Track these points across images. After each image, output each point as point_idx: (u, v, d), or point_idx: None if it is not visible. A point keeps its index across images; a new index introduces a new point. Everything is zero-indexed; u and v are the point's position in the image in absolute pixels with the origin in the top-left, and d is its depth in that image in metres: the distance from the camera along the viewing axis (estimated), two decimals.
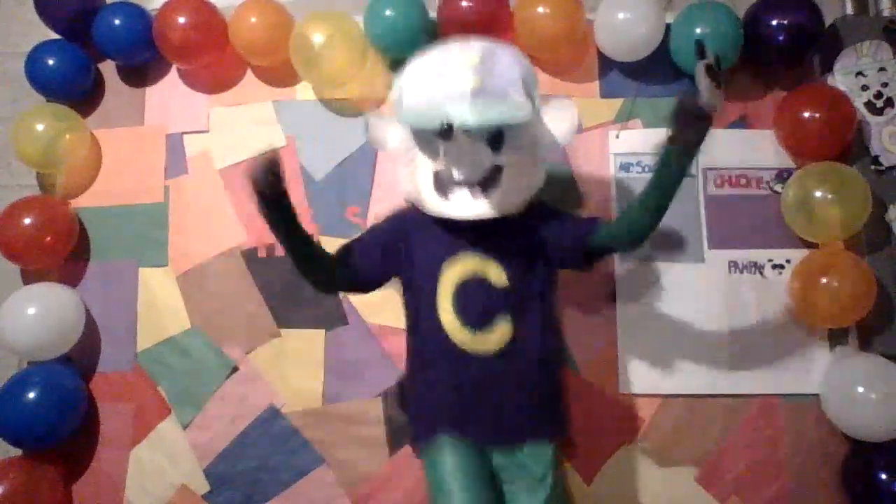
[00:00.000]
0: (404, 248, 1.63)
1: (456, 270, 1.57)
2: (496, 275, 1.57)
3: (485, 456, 1.53)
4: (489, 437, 1.54)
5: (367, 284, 1.67)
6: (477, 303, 1.55)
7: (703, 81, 1.44)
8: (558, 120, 1.63)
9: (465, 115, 1.42)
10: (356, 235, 1.69)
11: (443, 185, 1.55)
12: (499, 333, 1.54)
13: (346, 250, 1.61)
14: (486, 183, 1.53)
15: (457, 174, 1.53)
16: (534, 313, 1.59)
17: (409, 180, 1.62)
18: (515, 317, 1.55)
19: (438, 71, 1.50)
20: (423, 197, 1.59)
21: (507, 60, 1.53)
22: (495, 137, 1.52)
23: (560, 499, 1.58)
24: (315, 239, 1.61)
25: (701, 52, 1.47)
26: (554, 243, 1.62)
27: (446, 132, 1.46)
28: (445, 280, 1.56)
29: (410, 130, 1.58)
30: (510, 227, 1.59)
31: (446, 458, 1.48)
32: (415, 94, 1.54)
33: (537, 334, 1.59)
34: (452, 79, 1.46)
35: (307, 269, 1.57)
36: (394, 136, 1.65)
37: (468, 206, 1.53)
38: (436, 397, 1.57)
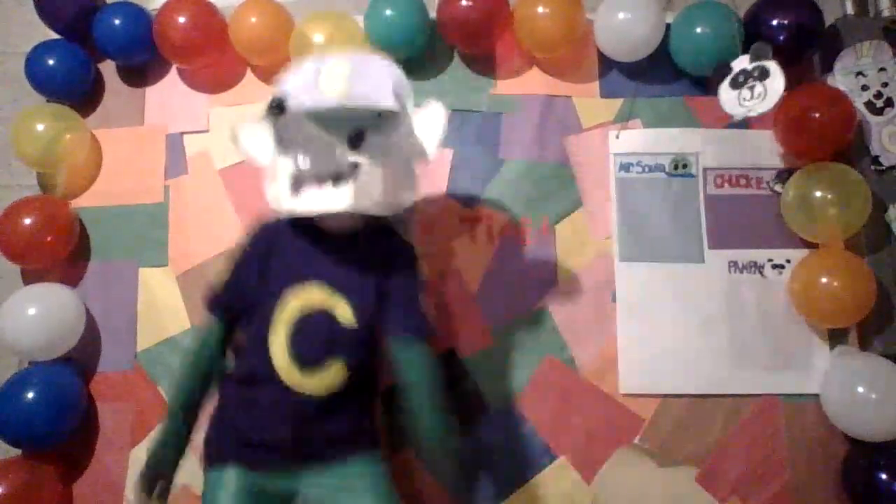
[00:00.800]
0: (262, 267, 1.57)
1: (300, 300, 1.51)
2: (343, 312, 1.52)
3: (269, 492, 1.50)
4: (295, 464, 1.51)
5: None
6: (315, 340, 1.49)
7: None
8: (428, 127, 1.55)
9: (325, 97, 1.39)
10: (219, 278, 1.64)
11: (297, 182, 1.48)
12: (331, 376, 1.49)
13: (223, 314, 1.60)
14: (340, 178, 1.45)
15: (307, 165, 1.47)
16: (371, 357, 1.57)
17: (269, 183, 1.56)
18: (352, 360, 1.51)
19: (311, 82, 1.45)
20: (280, 201, 1.52)
21: (379, 68, 1.50)
22: (356, 135, 1.47)
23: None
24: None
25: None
26: (388, 295, 1.56)
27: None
28: (287, 309, 1.51)
29: (273, 135, 1.53)
30: (368, 260, 1.55)
31: (226, 492, 1.49)
32: (289, 93, 1.48)
33: (370, 377, 1.60)
34: (323, 87, 1.42)
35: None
36: (265, 146, 1.57)
37: (318, 198, 1.46)
38: (245, 423, 1.51)
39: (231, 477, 1.50)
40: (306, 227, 1.57)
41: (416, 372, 1.53)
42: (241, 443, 1.51)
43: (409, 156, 1.57)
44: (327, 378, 1.49)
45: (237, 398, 1.55)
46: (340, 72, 1.43)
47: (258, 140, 1.57)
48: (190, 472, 1.96)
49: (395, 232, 1.68)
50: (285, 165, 1.51)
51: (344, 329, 1.51)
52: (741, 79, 1.83)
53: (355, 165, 1.46)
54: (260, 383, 1.51)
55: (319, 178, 1.46)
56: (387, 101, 1.44)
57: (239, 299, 1.59)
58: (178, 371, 1.59)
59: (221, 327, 1.60)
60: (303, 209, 1.48)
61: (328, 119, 1.44)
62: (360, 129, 1.47)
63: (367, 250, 1.58)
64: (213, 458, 1.55)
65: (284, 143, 1.52)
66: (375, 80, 1.46)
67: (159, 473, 1.53)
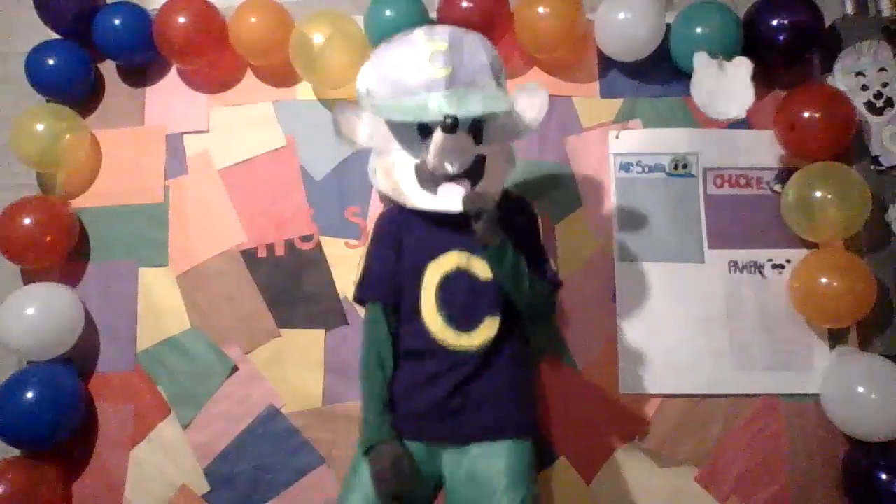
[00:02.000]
0: (397, 253, 1.61)
1: (440, 267, 1.56)
2: (481, 268, 1.55)
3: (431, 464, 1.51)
4: (461, 434, 1.51)
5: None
6: (462, 299, 1.54)
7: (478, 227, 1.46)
8: (528, 106, 1.63)
9: (445, 105, 1.42)
10: (359, 271, 1.67)
11: (427, 178, 1.53)
12: (485, 330, 1.53)
13: (381, 297, 1.60)
14: (472, 174, 1.52)
15: (446, 167, 1.50)
16: (511, 312, 1.58)
17: (386, 176, 1.60)
18: (501, 311, 1.54)
19: (407, 60, 1.48)
20: (405, 193, 1.57)
21: (474, 46, 1.52)
22: (476, 127, 1.52)
23: (537, 499, 1.52)
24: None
25: (476, 215, 1.45)
26: (520, 243, 1.59)
27: (451, 126, 1.40)
28: (429, 279, 1.55)
29: (388, 123, 1.56)
30: None
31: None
32: (386, 86, 1.52)
33: (519, 327, 1.60)
34: (424, 67, 1.46)
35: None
36: (364, 131, 1.62)
37: (456, 198, 1.49)
38: (414, 394, 1.53)
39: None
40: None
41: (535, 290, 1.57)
42: (415, 417, 1.52)
43: (511, 134, 1.63)
44: (482, 333, 1.52)
45: (407, 375, 1.56)
46: (440, 55, 1.46)
47: (358, 124, 1.62)
48: (190, 472, 1.97)
49: (508, 191, 1.70)
50: (404, 156, 1.55)
51: (485, 283, 1.55)
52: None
53: (482, 159, 1.53)
54: (424, 354, 1.53)
55: (455, 177, 1.51)
56: (503, 102, 1.50)
57: (383, 283, 1.61)
58: (366, 378, 1.56)
59: (381, 311, 1.60)
60: (443, 208, 1.52)
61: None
62: (478, 121, 1.52)
63: None
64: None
65: (401, 132, 1.54)
66: (475, 62, 1.50)
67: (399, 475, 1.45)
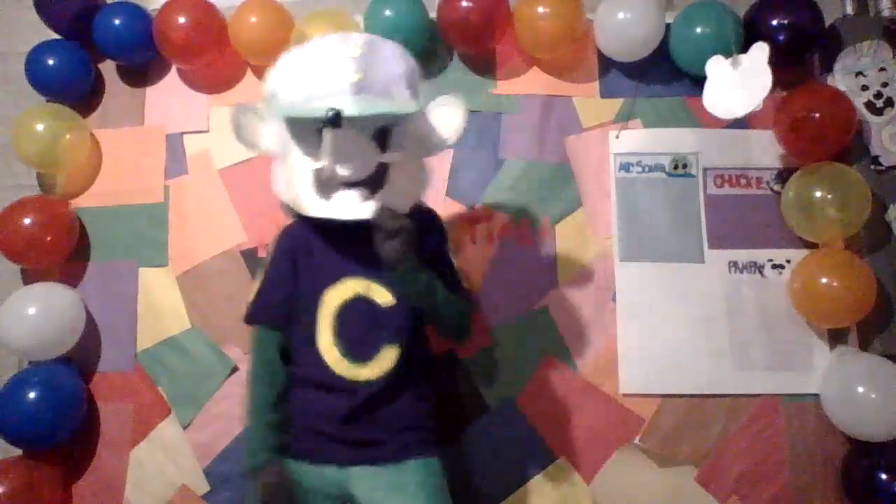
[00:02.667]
0: (295, 273, 1.55)
1: (338, 295, 1.51)
2: (381, 294, 1.51)
3: (329, 487, 1.48)
4: (362, 458, 1.47)
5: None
6: (360, 329, 1.49)
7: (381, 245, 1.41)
8: (446, 118, 1.55)
9: (350, 105, 1.33)
10: (253, 290, 1.61)
11: (324, 184, 1.45)
12: (382, 361, 1.48)
13: (271, 321, 1.57)
14: (371, 182, 1.43)
15: (341, 171, 1.41)
16: (415, 330, 1.54)
17: (285, 182, 1.51)
18: (400, 339, 1.50)
19: (318, 63, 1.41)
20: (300, 199, 1.47)
21: (389, 55, 1.45)
22: (382, 134, 1.43)
23: None
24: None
25: (389, 233, 1.40)
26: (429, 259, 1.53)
27: (334, 120, 1.32)
28: (326, 307, 1.50)
29: (287, 126, 1.46)
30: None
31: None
32: (293, 88, 1.43)
33: (418, 352, 1.56)
34: (333, 71, 1.38)
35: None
36: (267, 134, 1.53)
37: (353, 206, 1.43)
38: (307, 421, 1.50)
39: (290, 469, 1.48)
40: (328, 224, 1.49)
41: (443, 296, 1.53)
42: (300, 436, 1.50)
43: (424, 147, 1.55)
44: (379, 364, 1.48)
45: (301, 401, 1.52)
46: (351, 61, 1.38)
47: (260, 127, 1.54)
48: (190, 472, 1.97)
49: (417, 204, 1.61)
50: (305, 163, 1.46)
51: (385, 310, 1.51)
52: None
53: (385, 168, 1.45)
54: (317, 385, 1.49)
55: (352, 183, 1.43)
56: (409, 106, 1.43)
57: (277, 305, 1.56)
58: (252, 398, 1.54)
59: (271, 335, 1.57)
60: (338, 215, 1.44)
61: (351, 118, 1.35)
62: (384, 127, 1.44)
63: None
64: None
65: (301, 134, 1.46)
66: (389, 71, 1.42)
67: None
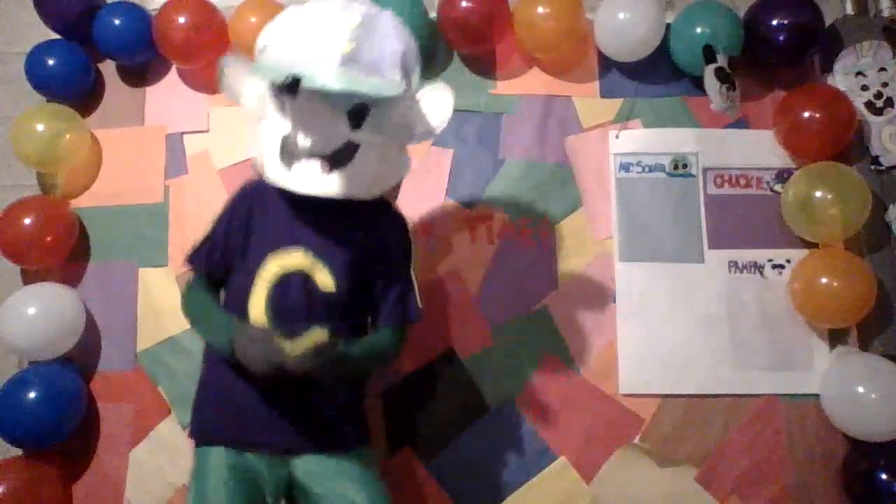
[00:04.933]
0: (246, 228, 1.51)
1: (281, 262, 1.45)
2: (324, 278, 1.45)
3: (261, 475, 1.43)
4: (280, 443, 1.44)
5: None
6: (294, 303, 1.44)
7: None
8: (434, 106, 1.48)
9: (328, 77, 1.27)
10: (202, 234, 1.58)
11: (288, 152, 1.39)
12: (308, 340, 1.38)
13: (207, 269, 1.54)
14: (336, 158, 1.38)
15: (303, 141, 1.37)
16: (351, 323, 1.49)
17: (256, 141, 1.48)
18: (331, 326, 1.43)
19: (312, 25, 1.34)
20: (265, 162, 1.44)
21: (390, 30, 1.39)
22: (358, 111, 1.37)
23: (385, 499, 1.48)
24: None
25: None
26: (379, 278, 1.51)
27: (291, 86, 1.28)
28: (266, 271, 1.44)
29: (267, 84, 1.41)
30: (356, 230, 1.49)
31: (214, 473, 1.41)
32: (282, 46, 1.37)
33: (354, 337, 1.49)
34: (325, 36, 1.31)
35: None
36: (251, 90, 1.49)
37: (310, 180, 1.38)
38: (223, 393, 1.46)
39: (219, 457, 1.43)
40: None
41: (378, 342, 1.51)
42: (227, 418, 1.45)
43: (406, 134, 1.49)
44: (305, 342, 1.37)
45: (223, 372, 1.46)
46: (346, 28, 1.32)
47: (245, 81, 1.49)
48: (189, 471, 1.96)
49: (385, 201, 1.59)
50: (276, 127, 1.41)
51: (322, 294, 1.45)
52: (723, 74, 1.84)
53: (354, 147, 1.39)
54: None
55: (314, 156, 1.38)
56: (392, 89, 1.35)
57: (221, 255, 1.52)
58: (199, 311, 1.53)
59: (205, 290, 1.53)
60: (293, 187, 1.40)
61: (324, 90, 1.30)
62: (362, 105, 1.37)
63: (356, 219, 1.50)
64: (200, 436, 1.50)
65: (277, 95, 1.40)
66: (384, 47, 1.36)
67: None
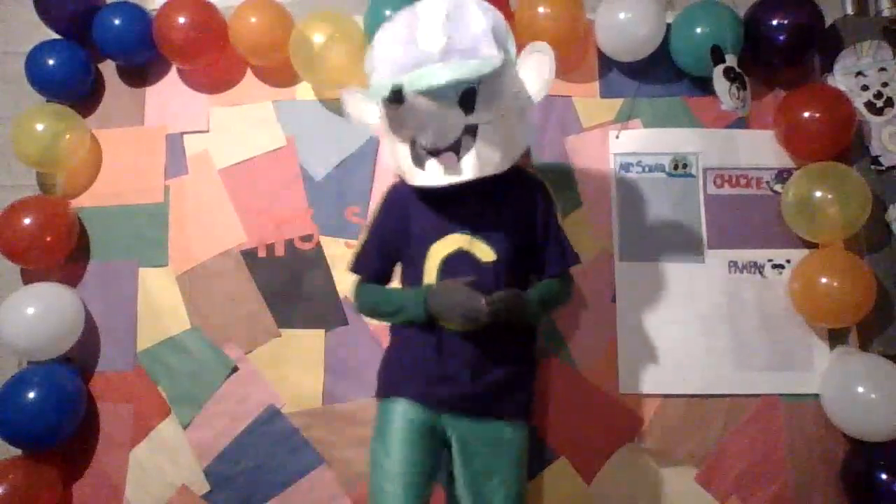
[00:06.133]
0: (402, 228, 1.62)
1: (443, 248, 1.55)
2: (483, 251, 1.55)
3: (436, 428, 1.54)
4: (456, 404, 1.53)
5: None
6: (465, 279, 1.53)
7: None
8: (534, 70, 1.54)
9: (433, 77, 1.37)
10: (359, 242, 1.70)
11: (417, 154, 1.51)
12: (495, 297, 1.49)
13: (373, 274, 1.67)
14: (458, 146, 1.47)
15: (426, 140, 1.47)
16: (518, 285, 1.58)
17: (390, 154, 1.60)
18: (503, 290, 1.52)
19: (406, 35, 1.45)
20: (403, 169, 1.56)
21: (475, 12, 1.46)
22: (467, 96, 1.44)
23: (523, 481, 1.59)
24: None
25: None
26: (535, 238, 1.62)
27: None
28: (432, 259, 1.55)
29: (381, 103, 1.51)
30: (502, 200, 1.58)
31: (398, 421, 1.52)
32: (384, 63, 1.47)
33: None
34: (420, 41, 1.42)
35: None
36: (372, 111, 1.61)
37: (444, 172, 1.48)
38: (408, 360, 1.58)
39: (401, 408, 1.54)
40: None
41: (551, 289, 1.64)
42: (410, 377, 1.55)
43: (519, 101, 1.55)
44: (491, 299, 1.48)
45: (401, 344, 1.61)
46: (436, 26, 1.41)
47: (364, 108, 1.62)
48: (190, 472, 1.97)
49: (519, 169, 1.64)
50: (402, 137, 1.53)
51: (487, 266, 1.54)
52: (732, 74, 1.84)
53: (473, 129, 1.47)
54: (423, 329, 1.54)
55: (440, 150, 1.47)
56: (491, 55, 1.42)
57: (380, 259, 1.66)
58: (378, 298, 1.66)
59: (372, 285, 1.67)
60: (431, 183, 1.50)
61: (430, 89, 1.39)
62: (469, 88, 1.44)
63: (499, 194, 1.58)
64: (385, 390, 1.60)
65: (395, 118, 1.51)
66: (474, 29, 1.43)
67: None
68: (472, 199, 1.54)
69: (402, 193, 1.64)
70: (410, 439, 1.51)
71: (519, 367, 1.60)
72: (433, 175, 1.50)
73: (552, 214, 1.65)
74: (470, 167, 1.47)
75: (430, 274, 1.55)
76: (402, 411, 1.53)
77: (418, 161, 1.52)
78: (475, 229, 1.55)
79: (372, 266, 1.67)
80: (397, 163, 1.58)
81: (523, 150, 1.61)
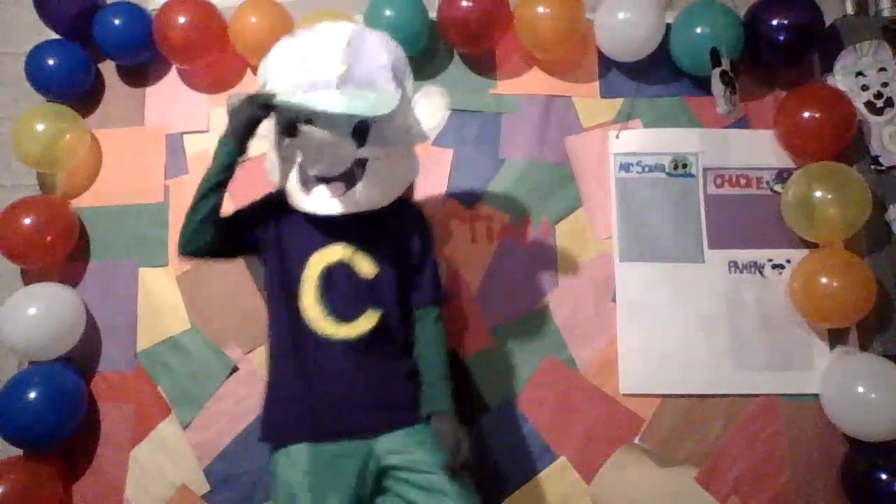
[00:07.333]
0: (275, 228, 1.58)
1: (323, 258, 1.53)
2: (364, 266, 1.54)
3: (345, 463, 1.45)
4: (348, 427, 1.47)
5: (228, 248, 1.61)
6: (343, 291, 1.52)
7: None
8: (429, 109, 1.56)
9: (330, 103, 1.36)
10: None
11: (304, 178, 1.50)
12: (363, 323, 1.50)
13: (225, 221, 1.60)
14: (348, 177, 1.47)
15: (315, 168, 1.47)
16: (397, 303, 1.56)
17: (272, 169, 1.57)
18: (381, 307, 1.52)
19: (304, 55, 1.44)
20: (287, 190, 1.54)
21: (376, 44, 1.47)
22: (360, 129, 1.45)
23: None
24: None
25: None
26: (412, 264, 1.61)
27: (291, 131, 1.41)
28: (311, 269, 1.52)
29: (274, 118, 1.50)
30: (382, 218, 1.56)
31: (298, 470, 1.43)
32: (280, 79, 1.46)
33: (400, 323, 1.57)
34: (319, 64, 1.41)
35: (201, 209, 1.56)
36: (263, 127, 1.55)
37: (329, 202, 1.48)
38: (291, 391, 1.51)
39: (300, 453, 1.45)
40: None
41: (429, 345, 1.59)
42: (304, 417, 1.48)
43: (409, 138, 1.57)
44: (362, 325, 1.49)
45: (288, 371, 1.53)
46: (336, 52, 1.41)
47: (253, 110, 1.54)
48: (190, 472, 1.97)
49: (404, 200, 1.65)
50: (290, 159, 1.51)
51: (366, 280, 1.53)
52: (727, 77, 1.85)
53: (362, 162, 1.47)
54: (302, 347, 1.50)
55: (327, 179, 1.47)
56: (388, 91, 1.42)
57: (239, 221, 1.60)
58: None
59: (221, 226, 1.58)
60: (314, 210, 1.49)
61: (329, 115, 1.41)
62: (363, 123, 1.45)
63: (379, 215, 1.56)
64: (277, 439, 1.52)
65: (288, 145, 1.50)
66: (374, 61, 1.44)
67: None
68: (354, 218, 1.51)
69: (283, 197, 1.60)
70: (318, 483, 1.42)
71: (399, 373, 1.56)
72: (319, 203, 1.49)
73: (428, 245, 1.66)
74: (356, 201, 1.48)
75: (309, 282, 1.51)
76: (300, 455, 1.45)
77: (305, 186, 1.50)
78: (356, 242, 1.54)
79: (237, 212, 1.61)
80: (282, 181, 1.55)
81: (409, 183, 1.62)
